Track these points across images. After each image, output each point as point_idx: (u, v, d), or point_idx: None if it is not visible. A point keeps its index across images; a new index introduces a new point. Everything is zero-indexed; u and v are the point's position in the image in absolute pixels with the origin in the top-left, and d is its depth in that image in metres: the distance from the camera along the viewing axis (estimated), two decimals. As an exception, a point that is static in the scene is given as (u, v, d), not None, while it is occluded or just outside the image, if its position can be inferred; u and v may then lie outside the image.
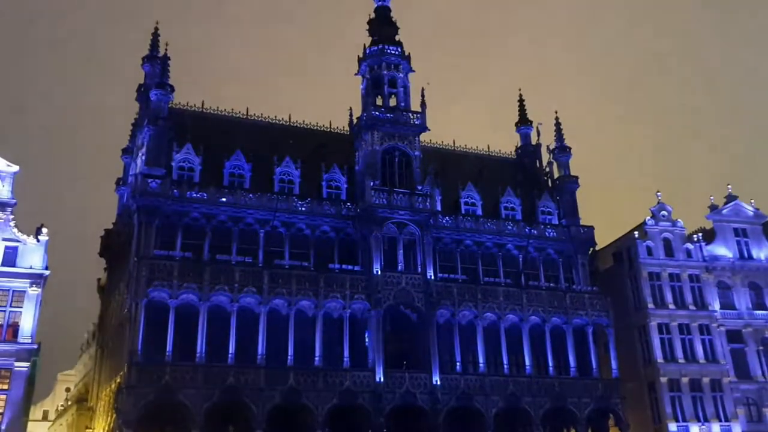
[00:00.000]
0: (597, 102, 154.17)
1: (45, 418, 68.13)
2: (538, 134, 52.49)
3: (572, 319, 43.24)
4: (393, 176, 42.59)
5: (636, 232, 50.52)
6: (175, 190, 38.75)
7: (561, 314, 43.12)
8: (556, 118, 50.90)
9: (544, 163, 51.76)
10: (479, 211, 45.89)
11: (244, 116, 46.04)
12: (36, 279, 37.32)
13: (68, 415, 52.61)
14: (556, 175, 50.06)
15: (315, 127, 47.63)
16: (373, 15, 47.45)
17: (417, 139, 43.91)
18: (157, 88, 40.97)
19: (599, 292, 45.23)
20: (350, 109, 46.09)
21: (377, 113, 43.38)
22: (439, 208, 43.56)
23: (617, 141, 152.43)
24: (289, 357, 36.82)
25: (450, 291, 41.37)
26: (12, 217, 38.00)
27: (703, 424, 45.73)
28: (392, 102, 44.82)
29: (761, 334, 49.19)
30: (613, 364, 43.33)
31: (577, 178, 49.05)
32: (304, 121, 47.53)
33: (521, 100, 55.00)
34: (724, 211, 52.56)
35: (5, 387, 35.42)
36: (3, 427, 34.22)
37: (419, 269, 40.88)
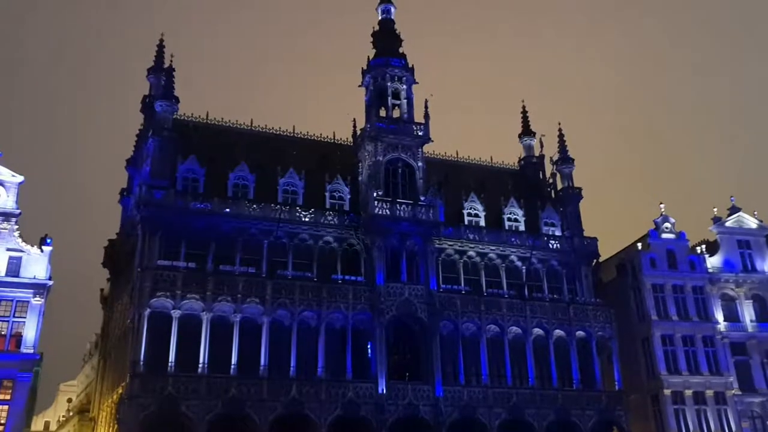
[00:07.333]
0: (600, 113, 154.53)
1: (47, 428, 67.93)
2: (541, 145, 52.56)
3: (576, 331, 43.09)
4: (396, 187, 42.66)
5: (639, 244, 50.49)
6: (179, 201, 38.83)
7: (564, 326, 43.01)
8: (560, 130, 51.00)
9: (548, 175, 51.75)
10: (482, 222, 45.87)
11: (248, 127, 46.14)
12: (39, 289, 37.47)
13: (70, 425, 52.53)
14: (559, 186, 50.01)
15: (319, 138, 47.66)
16: (377, 27, 47.70)
17: (420, 150, 44.03)
18: (162, 99, 41.20)
19: (603, 303, 45.15)
20: (354, 120, 46.24)
21: (381, 124, 43.50)
22: (442, 218, 43.41)
23: (621, 152, 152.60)
24: (291, 368, 36.74)
25: (453, 302, 41.29)
26: (17, 227, 38.18)
27: (707, 437, 45.50)
28: (396, 113, 44.95)
29: (766, 346, 48.95)
30: (617, 376, 43.11)
31: (580, 189, 49.04)
32: (307, 132, 47.59)
33: (524, 112, 55.05)
34: (728, 223, 52.48)
35: (7, 397, 35.48)
36: (5, 438, 34.23)
37: (422, 280, 40.84)
